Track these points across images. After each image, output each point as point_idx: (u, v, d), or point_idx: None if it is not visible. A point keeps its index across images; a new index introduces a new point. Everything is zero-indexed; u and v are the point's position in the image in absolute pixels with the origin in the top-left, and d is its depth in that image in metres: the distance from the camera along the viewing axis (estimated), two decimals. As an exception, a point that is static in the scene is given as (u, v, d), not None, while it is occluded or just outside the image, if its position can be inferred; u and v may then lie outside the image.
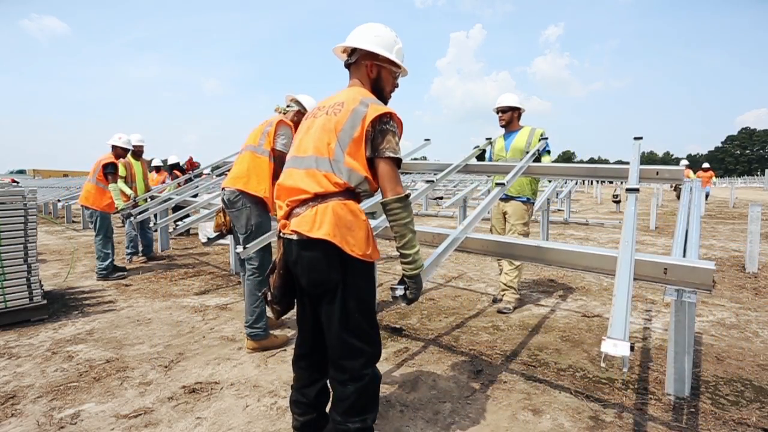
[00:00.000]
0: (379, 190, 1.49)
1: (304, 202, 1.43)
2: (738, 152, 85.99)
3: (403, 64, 1.63)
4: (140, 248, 5.67)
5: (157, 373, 2.38)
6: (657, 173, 2.51)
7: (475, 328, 3.09)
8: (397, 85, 1.68)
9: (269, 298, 1.57)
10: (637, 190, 2.09)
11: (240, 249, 2.57)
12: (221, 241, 4.64)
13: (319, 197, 1.40)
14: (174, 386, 2.22)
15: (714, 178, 16.54)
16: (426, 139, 4.18)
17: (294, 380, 1.63)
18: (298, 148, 1.54)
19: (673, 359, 2.05)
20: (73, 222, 10.47)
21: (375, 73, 1.59)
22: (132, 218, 4.83)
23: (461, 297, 3.92)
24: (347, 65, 1.63)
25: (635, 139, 2.85)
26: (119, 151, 4.94)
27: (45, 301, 3.30)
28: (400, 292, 1.47)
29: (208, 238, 3.24)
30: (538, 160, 3.22)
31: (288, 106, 3.01)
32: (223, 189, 2.80)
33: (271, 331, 2.80)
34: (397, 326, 3.08)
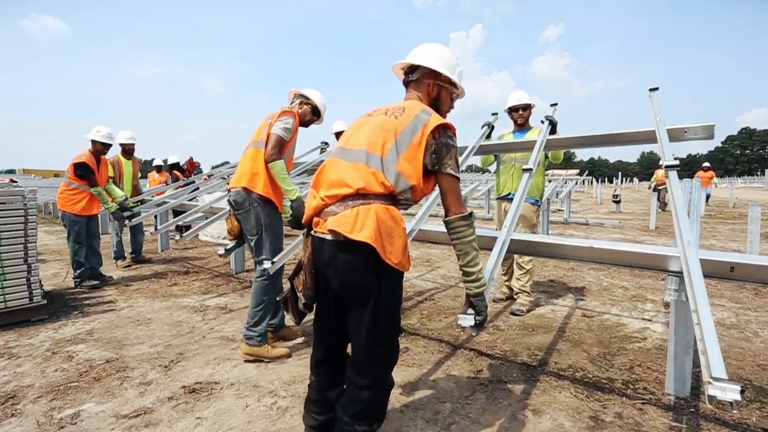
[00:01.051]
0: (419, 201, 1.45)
1: (343, 199, 1.34)
2: (738, 152, 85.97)
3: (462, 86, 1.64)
4: (128, 251, 5.39)
5: (157, 373, 2.38)
6: (685, 132, 2.30)
7: (475, 328, 3.08)
8: (452, 107, 1.69)
9: (300, 299, 1.45)
10: (677, 166, 1.89)
11: (267, 264, 2.45)
12: (223, 241, 4.47)
13: (361, 196, 1.33)
14: (174, 386, 2.22)
15: (715, 179, 15.12)
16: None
17: (313, 383, 1.57)
18: (347, 141, 1.47)
19: (673, 359, 2.05)
20: (73, 222, 10.46)
21: (435, 92, 1.59)
22: (127, 222, 4.48)
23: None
24: (407, 82, 1.63)
25: (651, 90, 2.55)
26: (98, 147, 4.29)
27: (45, 301, 3.30)
28: (469, 322, 1.42)
29: (226, 249, 2.98)
30: (553, 131, 3.08)
31: (291, 103, 2.88)
32: (228, 190, 2.68)
33: (275, 343, 2.71)
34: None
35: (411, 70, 1.61)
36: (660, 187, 12.63)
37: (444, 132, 1.40)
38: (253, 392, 2.16)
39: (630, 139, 2.65)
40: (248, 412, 1.98)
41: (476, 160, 3.73)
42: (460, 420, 1.91)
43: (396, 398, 2.09)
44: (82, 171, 4.13)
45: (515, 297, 3.55)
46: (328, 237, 1.32)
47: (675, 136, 2.30)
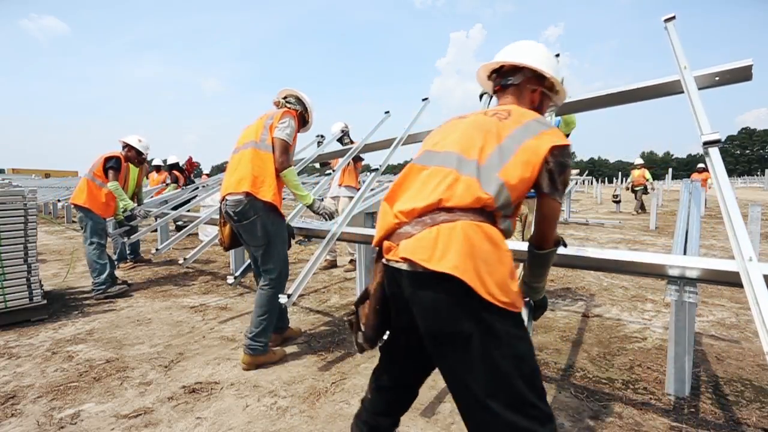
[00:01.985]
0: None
1: (420, 216, 1.05)
2: (738, 152, 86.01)
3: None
4: (127, 252, 5.34)
5: (157, 373, 2.38)
6: (717, 77, 2.00)
7: (475, 328, 3.08)
8: None
9: (359, 335, 1.21)
10: (719, 141, 1.56)
11: (284, 299, 2.30)
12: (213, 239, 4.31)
13: (444, 210, 1.03)
14: (174, 386, 2.22)
15: (710, 180, 13.80)
16: (386, 112, 4.14)
17: (367, 401, 1.34)
18: (434, 144, 1.21)
19: (673, 359, 2.05)
20: (73, 222, 10.46)
21: (538, 101, 1.33)
22: (125, 238, 4.41)
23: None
24: (501, 88, 1.35)
25: (666, 21, 2.22)
26: (132, 154, 4.16)
27: (45, 301, 3.29)
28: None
29: (235, 277, 2.79)
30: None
31: (287, 101, 2.69)
32: (224, 198, 2.39)
33: (275, 348, 2.58)
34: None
35: (507, 72, 1.34)
36: (637, 188, 12.09)
37: (564, 152, 1.12)
38: (253, 392, 2.16)
39: (652, 92, 2.28)
40: (248, 412, 1.98)
41: None
42: (460, 420, 1.90)
43: (396, 398, 2.09)
44: (111, 164, 3.93)
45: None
46: (404, 267, 1.03)
47: (704, 83, 1.99)
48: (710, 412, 1.95)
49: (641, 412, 1.95)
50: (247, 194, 2.29)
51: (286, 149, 2.43)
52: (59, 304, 3.66)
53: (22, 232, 3.22)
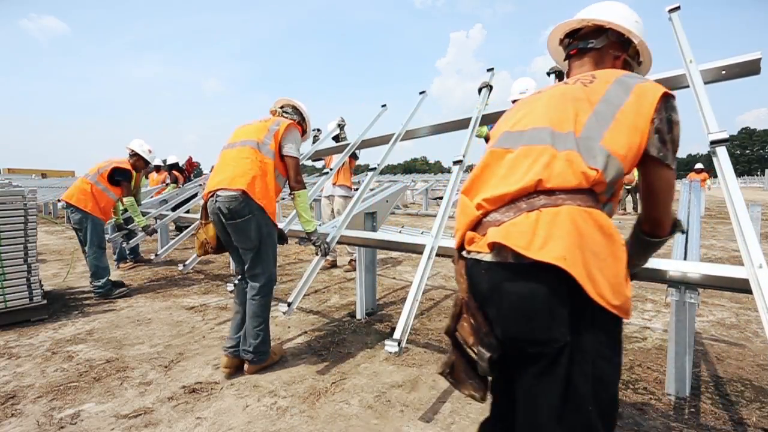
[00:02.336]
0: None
1: (513, 201, 0.90)
2: (738, 152, 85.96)
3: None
4: (126, 252, 5.27)
5: (157, 373, 2.38)
6: (723, 71, 1.95)
7: (475, 328, 3.08)
8: None
9: (475, 355, 0.91)
10: (727, 140, 1.49)
11: (284, 308, 2.31)
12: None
13: (543, 193, 0.87)
14: (174, 386, 2.22)
15: (708, 181, 13.88)
16: (383, 105, 4.04)
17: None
18: (515, 123, 1.04)
19: (673, 359, 2.05)
20: (73, 222, 10.46)
21: (621, 67, 1.14)
22: (125, 243, 4.45)
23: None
24: (580, 50, 1.16)
25: (671, 11, 2.10)
26: (140, 163, 4.14)
27: (45, 301, 3.29)
28: None
29: (235, 285, 2.51)
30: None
31: (284, 110, 2.63)
32: (213, 193, 2.21)
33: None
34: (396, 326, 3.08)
35: (587, 34, 1.16)
36: (628, 187, 11.21)
37: (669, 103, 0.95)
38: (253, 392, 2.16)
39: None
40: (248, 412, 1.98)
41: (474, 158, 3.64)
42: (460, 420, 1.91)
43: (396, 398, 2.09)
44: (123, 177, 3.89)
45: None
46: (487, 257, 0.87)
47: (711, 77, 1.94)
48: (710, 412, 1.95)
49: (641, 412, 1.95)
50: (243, 192, 2.15)
51: (298, 168, 2.42)
52: (59, 304, 3.66)
53: (22, 232, 3.22)
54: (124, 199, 3.95)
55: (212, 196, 2.23)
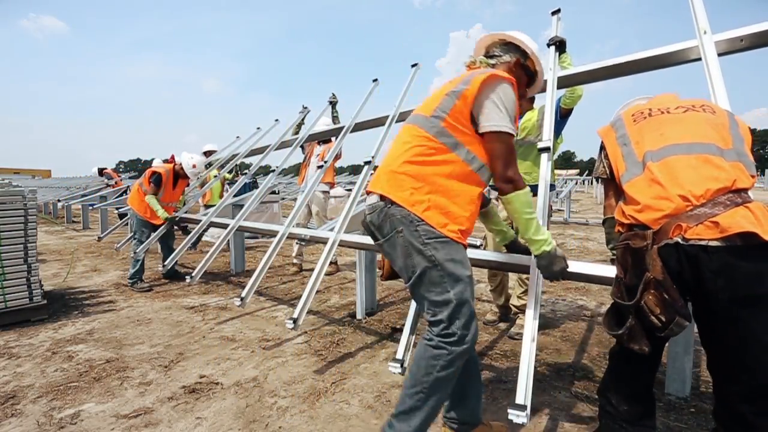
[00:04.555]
0: None
1: (713, 197, 1.14)
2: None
3: None
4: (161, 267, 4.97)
5: (157, 373, 2.38)
6: (741, 40, 1.90)
7: (475, 328, 3.08)
8: None
9: (659, 320, 1.16)
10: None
11: (290, 324, 2.13)
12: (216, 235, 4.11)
13: (736, 192, 1.15)
14: (174, 386, 2.22)
15: None
16: (374, 80, 3.78)
17: (627, 412, 1.40)
18: (667, 137, 1.30)
19: (673, 359, 2.05)
20: (73, 222, 10.47)
21: None
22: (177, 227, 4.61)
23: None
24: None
25: None
26: (182, 172, 4.59)
27: (45, 301, 3.30)
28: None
29: (241, 298, 2.29)
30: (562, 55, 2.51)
31: (490, 56, 1.62)
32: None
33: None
34: (397, 326, 3.08)
35: None
36: None
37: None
38: (253, 392, 2.16)
39: (667, 60, 2.11)
40: (248, 412, 1.98)
41: None
42: (460, 420, 1.90)
43: (396, 398, 2.09)
44: (151, 179, 4.39)
45: (513, 317, 3.03)
46: (715, 243, 1.10)
47: (727, 48, 1.90)
48: (710, 412, 1.94)
49: (641, 412, 1.95)
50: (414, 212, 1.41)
51: (512, 150, 1.47)
52: (59, 304, 3.66)
53: (22, 232, 3.22)
54: (146, 197, 4.38)
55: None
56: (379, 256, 2.09)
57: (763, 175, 31.95)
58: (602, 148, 1.53)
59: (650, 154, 1.29)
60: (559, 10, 2.61)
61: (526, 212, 1.44)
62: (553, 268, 1.52)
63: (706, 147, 1.22)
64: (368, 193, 1.54)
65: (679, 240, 1.14)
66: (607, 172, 1.49)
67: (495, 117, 1.38)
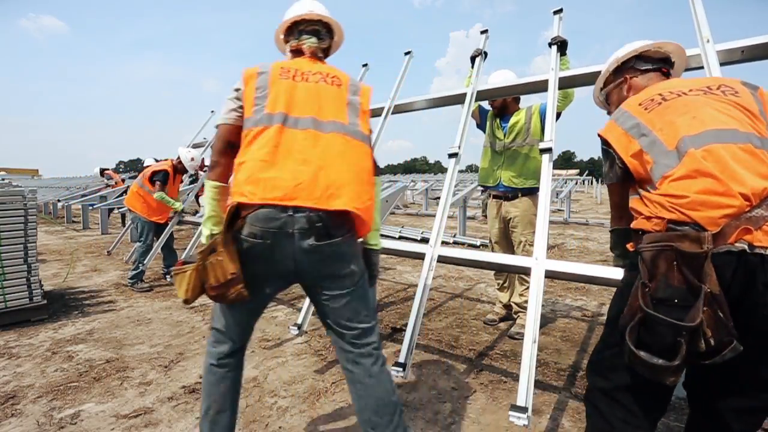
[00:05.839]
0: None
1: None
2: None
3: None
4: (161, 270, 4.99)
5: (157, 373, 2.38)
6: (742, 51, 1.90)
7: (475, 328, 3.08)
8: None
9: (716, 340, 0.96)
10: None
11: (294, 330, 2.03)
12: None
13: None
14: (174, 386, 2.22)
15: None
16: (364, 64, 3.75)
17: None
18: (703, 121, 1.10)
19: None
20: (73, 222, 10.47)
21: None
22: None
23: (461, 297, 3.92)
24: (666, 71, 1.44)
25: None
26: (181, 166, 4.61)
27: (45, 301, 3.29)
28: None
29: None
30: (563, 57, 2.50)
31: (320, 38, 1.54)
32: (302, 210, 1.22)
33: None
34: (397, 326, 3.08)
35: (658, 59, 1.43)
36: None
37: None
38: (253, 392, 2.16)
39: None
40: (248, 411, 1.98)
41: (474, 158, 3.38)
42: (460, 420, 1.91)
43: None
44: (157, 177, 4.37)
45: (514, 316, 3.00)
46: None
47: (728, 58, 1.90)
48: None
49: (641, 412, 1.95)
50: (348, 211, 1.28)
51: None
52: (59, 304, 3.66)
53: (22, 232, 3.22)
54: (154, 195, 4.36)
55: (303, 212, 1.22)
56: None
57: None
58: (608, 149, 1.28)
59: (689, 139, 1.08)
60: (561, 10, 2.62)
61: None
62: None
63: (746, 136, 1.05)
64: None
65: (746, 247, 0.97)
66: (619, 174, 1.24)
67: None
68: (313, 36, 1.52)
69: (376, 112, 3.31)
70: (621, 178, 1.24)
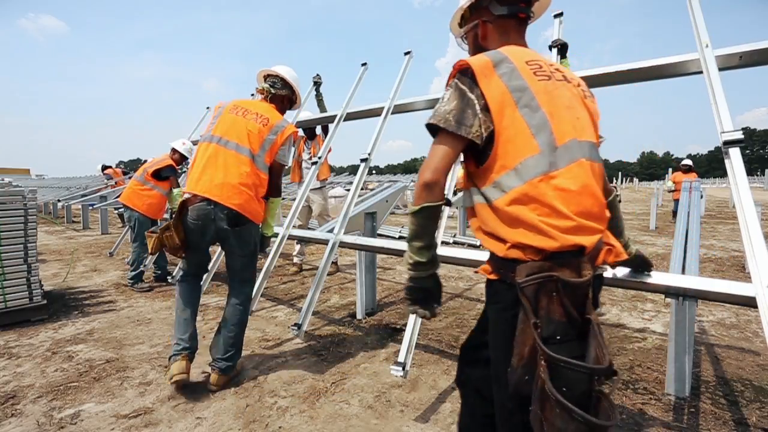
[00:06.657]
0: None
1: None
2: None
3: None
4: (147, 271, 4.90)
5: (157, 373, 2.38)
6: (740, 57, 1.92)
7: (475, 328, 3.08)
8: None
9: None
10: (741, 141, 1.44)
11: (294, 330, 2.38)
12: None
13: None
14: (174, 386, 2.22)
15: (695, 183, 12.59)
16: (363, 64, 3.75)
17: None
18: (581, 125, 1.03)
19: (673, 359, 2.05)
20: (73, 222, 10.47)
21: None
22: None
23: (461, 297, 3.92)
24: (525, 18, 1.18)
25: None
26: (177, 157, 4.49)
27: (45, 301, 3.29)
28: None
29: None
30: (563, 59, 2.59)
31: (273, 85, 2.42)
32: (205, 200, 2.10)
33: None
34: (397, 326, 3.08)
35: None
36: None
37: None
38: (253, 392, 2.16)
39: (669, 71, 2.16)
40: (248, 411, 1.98)
41: None
42: (460, 420, 1.91)
43: (396, 398, 2.09)
44: (169, 172, 4.31)
45: None
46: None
47: (726, 64, 1.92)
48: (710, 412, 1.95)
49: (641, 412, 1.95)
50: (238, 212, 2.13)
51: (280, 176, 2.38)
52: (59, 304, 3.66)
53: (22, 232, 3.22)
54: (174, 191, 4.26)
55: (205, 202, 2.10)
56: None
57: (763, 175, 31.89)
58: (474, 88, 0.97)
59: (578, 145, 0.96)
60: (561, 14, 2.64)
61: (278, 210, 2.49)
62: (265, 247, 2.52)
63: (592, 149, 1.01)
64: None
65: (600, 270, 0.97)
66: (483, 136, 0.96)
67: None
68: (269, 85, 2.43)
69: (376, 112, 3.30)
70: (484, 141, 0.96)
